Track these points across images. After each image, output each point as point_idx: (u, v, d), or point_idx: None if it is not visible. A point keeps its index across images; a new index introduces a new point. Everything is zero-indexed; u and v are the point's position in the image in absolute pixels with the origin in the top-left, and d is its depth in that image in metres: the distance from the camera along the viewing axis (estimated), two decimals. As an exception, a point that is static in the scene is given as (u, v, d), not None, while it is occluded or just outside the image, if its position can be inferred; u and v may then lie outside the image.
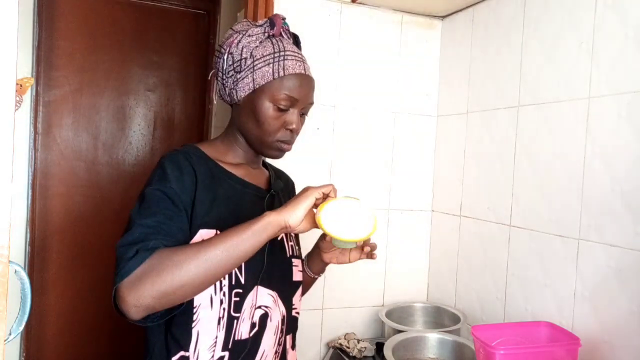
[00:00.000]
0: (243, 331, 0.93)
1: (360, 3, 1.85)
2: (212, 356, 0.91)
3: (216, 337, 0.91)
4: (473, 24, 1.81)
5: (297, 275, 1.06)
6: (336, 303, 1.86)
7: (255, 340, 0.95)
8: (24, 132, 2.24)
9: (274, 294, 0.99)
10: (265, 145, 0.99)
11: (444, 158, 1.96)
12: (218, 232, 0.91)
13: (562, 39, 1.41)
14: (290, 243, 1.08)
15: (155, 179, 0.89)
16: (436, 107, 2.01)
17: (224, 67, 0.98)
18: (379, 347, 1.65)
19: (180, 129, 2.62)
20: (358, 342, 1.73)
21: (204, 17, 2.63)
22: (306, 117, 1.05)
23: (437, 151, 1.99)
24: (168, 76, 2.57)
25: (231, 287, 0.91)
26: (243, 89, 0.97)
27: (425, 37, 1.98)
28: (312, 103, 1.02)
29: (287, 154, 1.20)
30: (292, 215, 0.85)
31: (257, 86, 0.95)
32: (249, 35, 0.96)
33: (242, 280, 0.92)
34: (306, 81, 0.98)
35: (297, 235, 1.17)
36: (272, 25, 0.98)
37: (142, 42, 2.50)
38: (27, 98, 2.22)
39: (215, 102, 1.06)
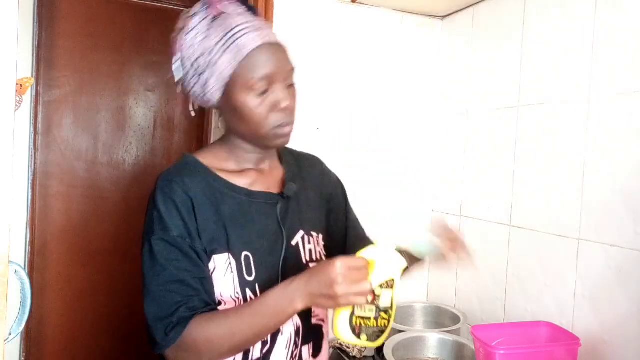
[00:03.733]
0: (256, 352, 0.89)
1: (360, 3, 1.85)
2: None
3: (234, 358, 0.88)
4: (473, 24, 1.81)
5: None
6: (336, 303, 1.85)
7: (265, 359, 0.89)
8: (24, 132, 2.24)
9: None
10: (263, 138, 0.88)
11: (444, 158, 1.96)
12: (230, 256, 0.86)
13: (562, 39, 1.41)
14: (308, 246, 0.97)
15: (156, 226, 0.84)
16: (436, 107, 2.01)
17: (184, 77, 0.89)
18: (379, 347, 1.65)
19: (180, 129, 2.61)
20: (358, 342, 1.73)
21: (204, 17, 2.62)
22: (296, 89, 0.93)
23: (437, 151, 1.99)
24: (168, 76, 2.56)
25: None
26: (212, 92, 0.87)
27: (425, 37, 1.98)
28: (292, 69, 0.90)
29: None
30: (321, 305, 0.79)
31: (225, 81, 0.85)
32: (190, 30, 0.86)
33: None
34: (273, 49, 0.86)
35: (326, 236, 1.05)
36: (208, 4, 0.86)
37: (142, 42, 2.50)
38: (27, 98, 2.21)
39: (193, 114, 0.94)
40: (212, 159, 0.93)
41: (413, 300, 1.95)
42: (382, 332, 0.83)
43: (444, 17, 1.98)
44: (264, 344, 0.90)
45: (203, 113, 2.66)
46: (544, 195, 1.45)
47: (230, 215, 0.88)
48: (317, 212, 1.05)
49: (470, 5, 1.82)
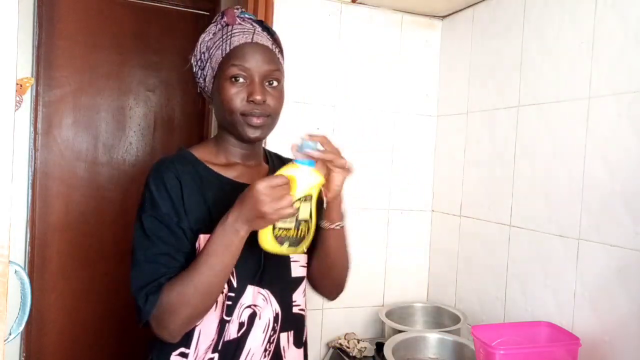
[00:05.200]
0: (232, 332, 0.94)
1: (360, 3, 1.85)
2: (204, 358, 0.93)
3: (213, 339, 0.93)
4: (473, 24, 1.81)
5: (297, 271, 1.04)
6: (336, 303, 1.83)
7: (241, 340, 0.95)
8: (24, 132, 2.24)
9: (266, 292, 0.98)
10: (234, 124, 0.96)
11: (444, 158, 1.96)
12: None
13: (562, 38, 1.41)
14: None
15: (147, 204, 0.93)
16: (436, 107, 2.01)
17: (195, 71, 1.03)
18: (379, 347, 1.65)
19: (180, 129, 2.61)
20: (358, 342, 1.73)
21: (204, 17, 2.62)
22: (283, 96, 1.00)
23: (437, 151, 1.99)
24: (168, 76, 2.56)
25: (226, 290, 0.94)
26: (209, 81, 1.00)
27: (425, 37, 1.98)
28: (274, 70, 0.97)
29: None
30: (259, 226, 0.84)
31: (214, 72, 0.98)
32: (205, 33, 1.01)
33: (235, 284, 0.94)
34: (254, 48, 0.96)
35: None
36: (222, 16, 1.00)
37: (142, 42, 2.50)
38: (27, 98, 2.21)
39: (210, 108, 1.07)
40: (204, 153, 1.02)
41: (413, 300, 1.95)
42: (302, 239, 0.91)
43: (444, 17, 1.98)
44: (241, 326, 0.94)
45: (203, 114, 2.66)
46: (544, 195, 1.45)
47: (215, 201, 0.95)
48: None
49: (470, 5, 1.82)
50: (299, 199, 0.86)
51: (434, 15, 1.98)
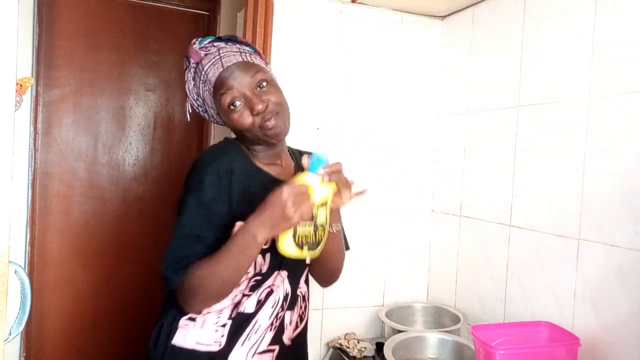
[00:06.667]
0: (248, 307, 1.03)
1: (360, 3, 1.85)
2: (217, 322, 1.01)
3: (229, 310, 1.02)
4: (473, 24, 1.81)
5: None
6: (336, 303, 1.86)
7: (255, 314, 1.04)
8: (24, 132, 2.24)
9: (284, 273, 1.08)
10: (257, 137, 1.04)
11: (444, 158, 1.96)
12: None
13: (562, 39, 1.41)
14: None
15: (194, 186, 0.99)
16: (436, 107, 2.01)
17: (202, 115, 1.14)
18: (379, 347, 1.65)
19: (180, 129, 2.61)
20: (358, 342, 1.73)
21: (204, 17, 2.62)
22: (277, 86, 1.06)
23: (437, 151, 1.99)
24: (168, 76, 2.57)
25: (253, 274, 1.04)
26: (217, 117, 1.10)
27: (425, 37, 1.98)
28: (255, 73, 1.02)
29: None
30: (281, 228, 0.92)
31: (215, 109, 1.07)
32: (187, 82, 1.09)
33: (264, 269, 1.04)
34: (229, 71, 1.02)
35: None
36: (188, 60, 1.07)
37: (142, 42, 2.50)
38: (27, 98, 2.21)
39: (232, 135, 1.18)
40: (246, 149, 1.09)
41: (413, 300, 1.95)
42: (319, 243, 0.99)
43: (444, 17, 1.98)
44: (258, 303, 1.04)
45: (203, 113, 2.66)
46: (544, 195, 1.45)
47: (257, 194, 1.01)
48: None
49: (470, 5, 1.82)
50: (317, 205, 0.94)
51: (434, 15, 1.97)
